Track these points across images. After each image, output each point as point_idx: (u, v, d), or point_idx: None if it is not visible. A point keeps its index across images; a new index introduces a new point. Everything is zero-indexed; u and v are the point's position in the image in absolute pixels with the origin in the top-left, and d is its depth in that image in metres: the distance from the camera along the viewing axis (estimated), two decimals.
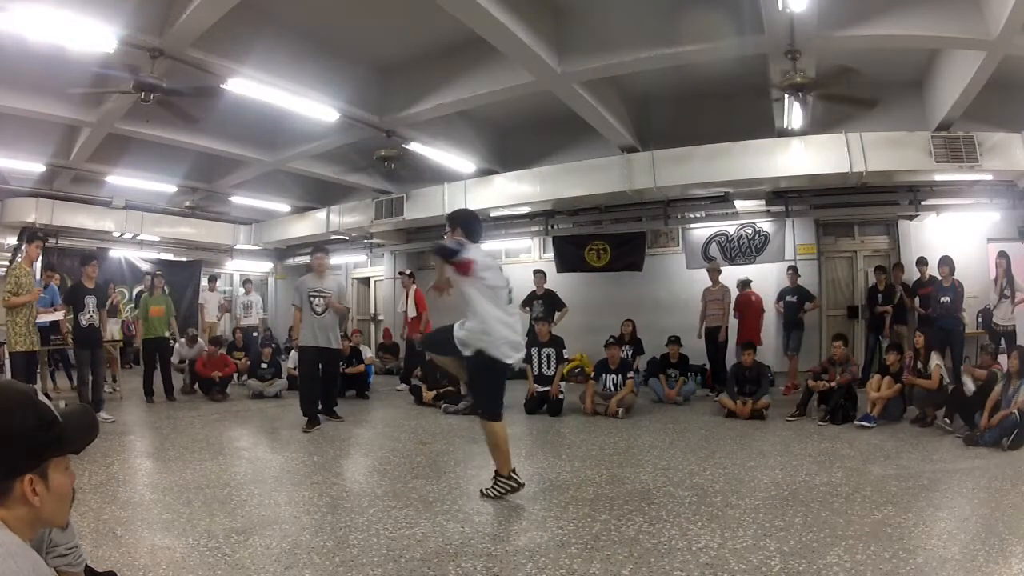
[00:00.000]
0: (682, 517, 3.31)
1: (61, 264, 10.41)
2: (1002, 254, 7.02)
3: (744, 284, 8.34)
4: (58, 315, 6.81)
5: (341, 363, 7.28)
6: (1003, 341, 6.79)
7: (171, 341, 8.14)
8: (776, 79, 5.94)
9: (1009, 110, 7.06)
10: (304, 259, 14.39)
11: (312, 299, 5.98)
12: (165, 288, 8.40)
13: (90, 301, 6.33)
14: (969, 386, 5.30)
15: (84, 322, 6.27)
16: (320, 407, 6.18)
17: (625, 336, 8.42)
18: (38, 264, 10.35)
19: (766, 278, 9.02)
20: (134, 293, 11.38)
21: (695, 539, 2.98)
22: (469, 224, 3.89)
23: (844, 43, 5.63)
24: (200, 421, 6.34)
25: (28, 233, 5.81)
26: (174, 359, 8.25)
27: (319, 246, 6.81)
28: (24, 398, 1.17)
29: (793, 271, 8.36)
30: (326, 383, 6.34)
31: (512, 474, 3.67)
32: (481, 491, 3.72)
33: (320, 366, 6.14)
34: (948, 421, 5.48)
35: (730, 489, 3.84)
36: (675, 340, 7.87)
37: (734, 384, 6.58)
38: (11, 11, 4.64)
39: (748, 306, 8.20)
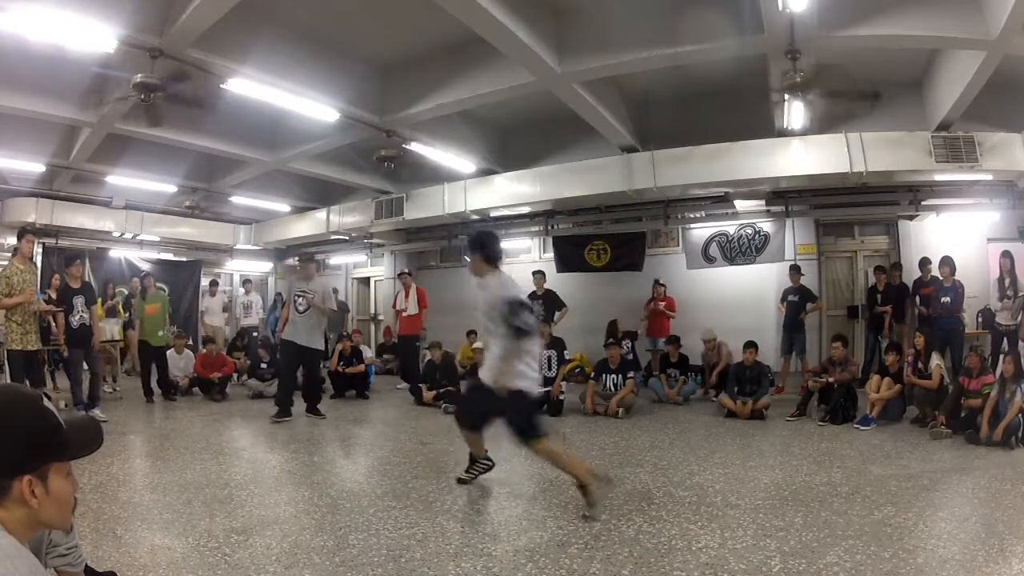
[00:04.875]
0: (682, 517, 3.32)
1: (61, 265, 10.38)
2: (1006, 254, 7.01)
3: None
4: (50, 307, 6.76)
5: (325, 364, 7.83)
6: (1005, 341, 6.79)
7: (167, 345, 8.07)
8: (776, 79, 5.93)
9: (1009, 110, 7.03)
10: None
11: (297, 298, 6.42)
12: (161, 287, 8.32)
13: (78, 301, 6.29)
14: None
15: (75, 323, 6.26)
16: (306, 405, 6.58)
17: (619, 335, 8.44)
18: (39, 262, 10.36)
19: (766, 278, 9.02)
20: (126, 299, 11.24)
21: (695, 539, 2.98)
22: (490, 247, 3.65)
23: (844, 43, 5.62)
24: (200, 421, 6.34)
25: (19, 230, 5.76)
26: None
27: (307, 255, 7.58)
28: (28, 400, 1.19)
29: (795, 271, 8.19)
30: (307, 382, 6.69)
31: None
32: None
33: (300, 364, 6.54)
34: (948, 430, 5.30)
35: (730, 489, 3.84)
36: (675, 340, 7.86)
37: (734, 384, 6.58)
38: (11, 11, 4.63)
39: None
